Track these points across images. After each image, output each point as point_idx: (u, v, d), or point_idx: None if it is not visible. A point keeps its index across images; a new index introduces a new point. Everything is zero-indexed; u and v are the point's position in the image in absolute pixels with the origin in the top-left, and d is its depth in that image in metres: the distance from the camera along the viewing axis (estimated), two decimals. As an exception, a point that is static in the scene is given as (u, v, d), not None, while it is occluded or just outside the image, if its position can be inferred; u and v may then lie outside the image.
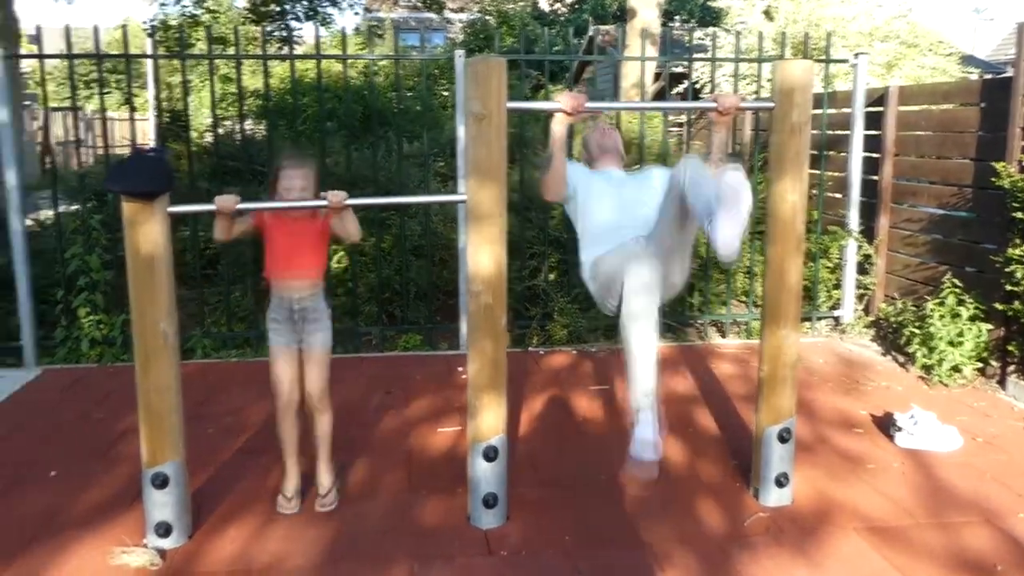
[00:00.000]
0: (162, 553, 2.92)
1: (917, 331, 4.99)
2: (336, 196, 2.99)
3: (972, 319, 4.77)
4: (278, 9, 12.83)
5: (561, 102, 3.13)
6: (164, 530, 2.95)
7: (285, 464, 3.27)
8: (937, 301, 4.96)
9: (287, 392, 3.21)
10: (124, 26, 5.30)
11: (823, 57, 6.07)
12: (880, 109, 5.93)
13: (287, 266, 3.16)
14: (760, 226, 3.88)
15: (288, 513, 3.21)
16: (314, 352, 3.21)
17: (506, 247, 3.04)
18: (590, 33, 15.81)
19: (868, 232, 6.05)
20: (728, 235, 2.71)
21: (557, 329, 5.59)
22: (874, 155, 5.99)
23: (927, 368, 4.91)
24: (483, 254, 2.98)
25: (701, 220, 2.81)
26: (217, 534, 3.07)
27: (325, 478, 3.30)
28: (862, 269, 6.08)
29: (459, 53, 5.29)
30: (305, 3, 13.48)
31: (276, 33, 13.42)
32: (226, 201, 2.95)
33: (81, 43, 20.45)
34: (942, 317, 4.85)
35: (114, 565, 2.85)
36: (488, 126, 2.90)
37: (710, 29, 8.06)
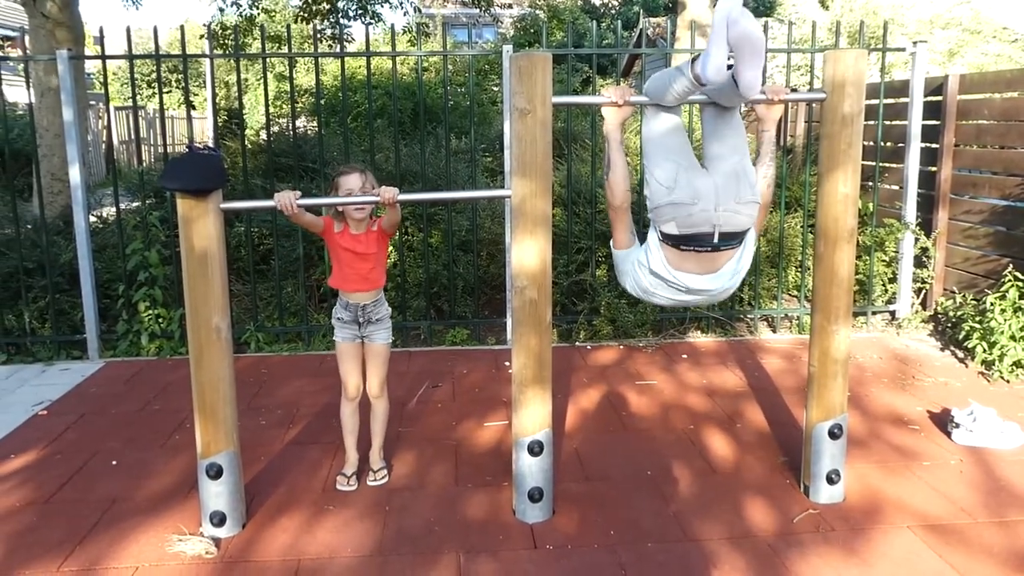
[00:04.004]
0: (217, 542, 3.00)
1: (977, 326, 4.85)
2: (388, 192, 3.05)
3: (1036, 314, 4.62)
4: (329, 7, 12.98)
5: (607, 95, 3.11)
6: (219, 519, 3.04)
7: (346, 447, 3.55)
8: (998, 295, 4.81)
9: (354, 388, 3.48)
10: (182, 27, 5.43)
11: (880, 46, 5.92)
12: (939, 98, 5.76)
13: (354, 283, 3.37)
14: (812, 219, 3.82)
15: (347, 490, 3.42)
16: (376, 348, 3.45)
17: (551, 242, 3.05)
18: (640, 26, 15.67)
19: (926, 224, 5.89)
20: (750, 77, 2.67)
21: (604, 324, 5.58)
22: (933, 145, 5.83)
23: (987, 364, 4.76)
24: (528, 249, 2.99)
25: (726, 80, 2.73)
26: (270, 524, 3.15)
27: (378, 459, 3.58)
28: (919, 262, 5.92)
29: (507, 48, 5.30)
30: (356, 1, 13.63)
31: (328, 31, 13.60)
32: (284, 198, 3.00)
33: (144, 43, 21.09)
34: (1003, 311, 4.71)
35: (171, 553, 2.94)
36: (533, 121, 2.91)
37: (762, 19, 7.92)
